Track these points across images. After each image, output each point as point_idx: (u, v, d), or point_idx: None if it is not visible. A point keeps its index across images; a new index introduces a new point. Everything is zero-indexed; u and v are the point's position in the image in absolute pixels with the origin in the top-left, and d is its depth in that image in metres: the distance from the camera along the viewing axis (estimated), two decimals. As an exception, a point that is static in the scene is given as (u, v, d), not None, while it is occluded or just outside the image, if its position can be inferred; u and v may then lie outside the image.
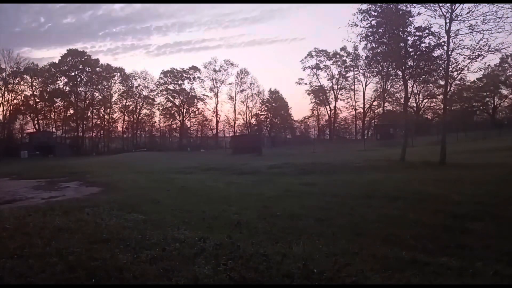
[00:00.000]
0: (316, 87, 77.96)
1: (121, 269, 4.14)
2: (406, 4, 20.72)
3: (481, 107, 71.36)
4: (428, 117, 71.47)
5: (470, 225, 6.49)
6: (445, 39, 19.44)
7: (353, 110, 77.70)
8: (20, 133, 71.24)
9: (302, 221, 6.97)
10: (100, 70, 74.19)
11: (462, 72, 20.76)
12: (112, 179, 16.18)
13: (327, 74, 77.76)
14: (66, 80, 72.42)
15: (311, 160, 23.65)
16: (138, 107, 76.42)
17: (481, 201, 8.32)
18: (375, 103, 76.14)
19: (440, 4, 18.69)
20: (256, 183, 13.73)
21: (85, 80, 73.12)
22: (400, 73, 23.09)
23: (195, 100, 77.52)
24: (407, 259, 4.67)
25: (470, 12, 18.01)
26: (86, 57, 73.01)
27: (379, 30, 21.69)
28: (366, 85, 75.58)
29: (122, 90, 75.63)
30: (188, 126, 79.21)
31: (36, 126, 70.89)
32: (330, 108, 78.57)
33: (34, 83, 69.72)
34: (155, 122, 79.28)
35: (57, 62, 72.03)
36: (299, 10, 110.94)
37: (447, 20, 18.82)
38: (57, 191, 13.17)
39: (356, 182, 12.98)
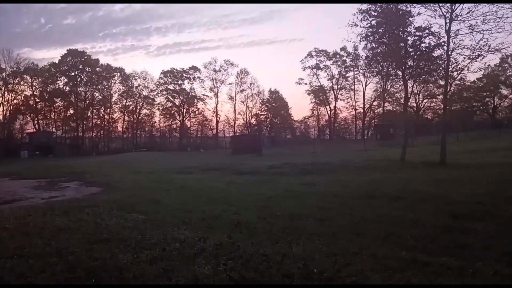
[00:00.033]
0: (316, 87, 77.99)
1: (121, 269, 4.13)
2: (406, 4, 20.74)
3: (481, 107, 71.39)
4: (428, 117, 71.54)
5: (470, 225, 6.49)
6: (445, 39, 19.47)
7: (353, 110, 77.83)
8: (20, 133, 71.29)
9: (302, 221, 6.97)
10: (100, 70, 74.22)
11: (462, 72, 20.79)
12: (112, 179, 16.18)
13: (327, 74, 77.88)
14: (66, 80, 72.47)
15: (311, 160, 23.65)
16: (138, 107, 76.48)
17: (481, 201, 8.32)
18: (375, 103, 76.26)
19: (440, 4, 18.71)
20: (256, 183, 13.73)
21: (85, 80, 73.16)
22: (400, 73, 23.10)
23: (195, 100, 77.53)
24: (407, 259, 4.67)
25: (470, 12, 18.04)
26: (86, 57, 73.06)
27: (379, 30, 21.70)
28: (366, 85, 75.70)
29: (122, 90, 75.74)
30: (188, 126, 79.26)
31: (36, 126, 70.94)
32: (330, 108, 78.68)
33: (34, 83, 69.92)
34: (155, 122, 79.48)
35: (57, 62, 72.17)
36: (298, 11, 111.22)
37: (447, 20, 18.84)
38: (57, 191, 13.17)
39: (356, 182, 12.98)
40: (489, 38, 18.07)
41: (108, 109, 75.38)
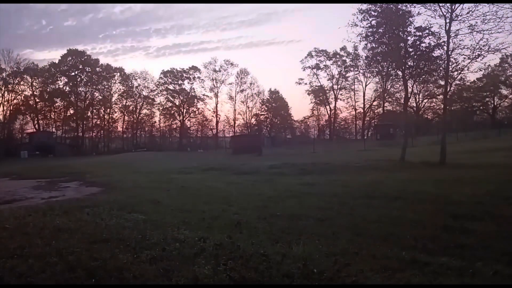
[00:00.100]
0: (316, 87, 77.88)
1: (121, 269, 4.13)
2: (406, 4, 20.75)
3: (481, 107, 71.38)
4: (428, 117, 71.51)
5: (470, 225, 6.48)
6: (445, 39, 19.49)
7: (353, 110, 77.70)
8: (20, 133, 71.25)
9: (302, 221, 6.97)
10: (100, 70, 74.15)
11: (462, 72, 20.84)
12: (112, 179, 16.19)
13: (327, 74, 77.74)
14: (66, 80, 72.40)
15: (311, 160, 23.65)
16: (138, 107, 76.42)
17: (481, 201, 8.32)
18: (375, 103, 76.16)
19: (440, 4, 18.73)
20: (256, 183, 13.73)
21: (85, 80, 73.08)
22: (400, 73, 23.12)
23: (195, 100, 77.43)
24: (407, 259, 4.67)
25: (470, 12, 18.07)
26: (86, 57, 72.99)
27: (379, 30, 21.71)
28: (366, 85, 75.56)
29: (122, 90, 75.64)
30: (188, 126, 79.21)
31: (36, 126, 70.90)
32: (330, 108, 78.57)
33: (34, 83, 69.82)
34: (155, 122, 79.39)
35: (57, 62, 72.15)
36: (295, 12, 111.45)
37: (447, 20, 18.85)
38: (57, 191, 13.18)
39: (356, 182, 12.98)
40: (489, 38, 18.14)
41: (108, 109, 75.36)
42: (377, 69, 29.07)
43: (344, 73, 76.89)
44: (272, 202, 9.24)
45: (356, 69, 74.15)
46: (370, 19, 21.34)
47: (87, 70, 73.14)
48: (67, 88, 72.73)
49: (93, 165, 28.08)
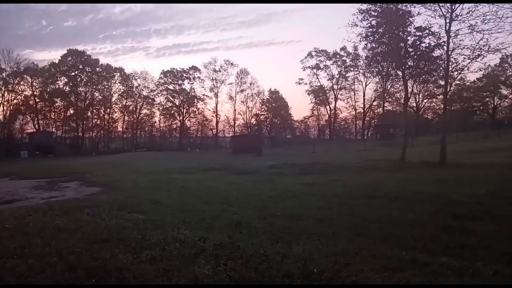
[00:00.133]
0: (316, 87, 77.90)
1: (121, 269, 4.13)
2: (406, 4, 20.75)
3: (481, 107, 71.38)
4: (428, 117, 71.54)
5: (470, 225, 6.48)
6: (445, 39, 19.48)
7: (353, 110, 77.72)
8: (20, 133, 71.29)
9: (302, 221, 6.97)
10: (100, 70, 74.17)
11: (462, 72, 20.83)
12: (112, 179, 16.19)
13: (327, 74, 77.76)
14: (66, 80, 72.43)
15: (311, 160, 23.65)
16: (138, 107, 76.44)
17: (481, 201, 8.32)
18: (375, 103, 76.17)
19: (440, 4, 18.73)
20: (256, 183, 13.73)
21: (85, 80, 73.10)
22: (400, 73, 23.11)
23: (195, 100, 77.44)
24: (407, 259, 4.67)
25: (470, 12, 18.06)
26: (86, 57, 73.02)
27: (379, 30, 21.71)
28: (366, 85, 75.59)
29: (122, 90, 75.67)
30: (188, 126, 79.22)
31: (36, 126, 70.92)
32: (330, 108, 78.59)
33: (34, 83, 69.85)
34: (155, 122, 79.43)
35: (57, 62, 72.16)
36: (295, 12, 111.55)
37: (447, 20, 18.85)
38: (57, 191, 13.18)
39: (356, 182, 12.98)
40: (489, 38, 18.13)
41: (108, 109, 75.38)
42: (377, 69, 29.10)
43: (344, 73, 76.97)
44: (272, 202, 9.25)
45: (356, 69, 74.31)
46: (370, 19, 21.36)
47: (87, 70, 73.17)
48: (67, 88, 72.77)
49: (93, 165, 28.09)
